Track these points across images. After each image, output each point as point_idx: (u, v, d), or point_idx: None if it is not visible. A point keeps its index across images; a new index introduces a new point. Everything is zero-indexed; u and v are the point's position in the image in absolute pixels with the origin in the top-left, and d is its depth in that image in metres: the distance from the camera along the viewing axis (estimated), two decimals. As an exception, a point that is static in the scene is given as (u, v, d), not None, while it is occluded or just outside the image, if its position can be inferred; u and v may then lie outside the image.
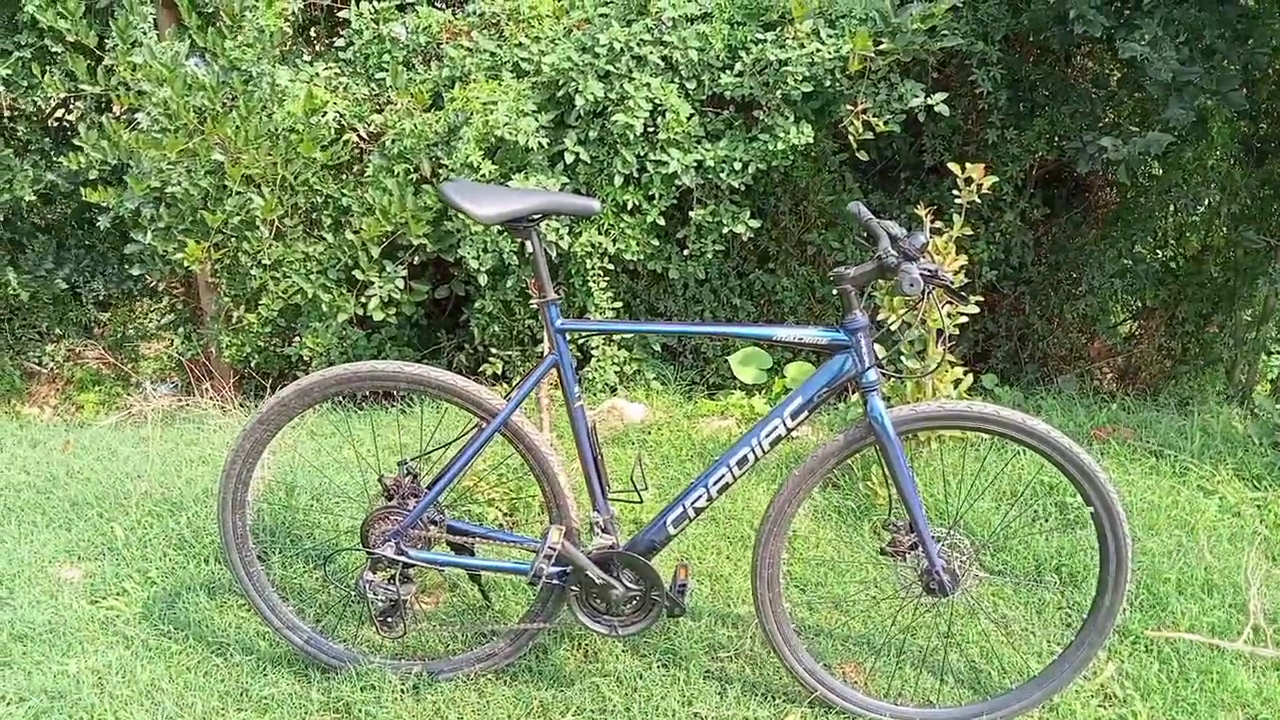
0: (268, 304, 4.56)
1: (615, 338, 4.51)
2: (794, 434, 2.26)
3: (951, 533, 2.31)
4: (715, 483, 2.26)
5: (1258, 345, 5.56)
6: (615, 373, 4.56)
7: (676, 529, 2.31)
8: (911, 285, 1.93)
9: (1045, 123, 5.01)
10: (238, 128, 4.09)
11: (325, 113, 4.38)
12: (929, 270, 1.99)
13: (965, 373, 3.36)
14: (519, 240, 2.14)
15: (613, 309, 4.44)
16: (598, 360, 4.51)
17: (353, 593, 2.30)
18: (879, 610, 2.78)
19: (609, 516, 2.32)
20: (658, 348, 4.87)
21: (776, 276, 5.25)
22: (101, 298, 6.09)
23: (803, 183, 4.98)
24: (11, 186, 5.19)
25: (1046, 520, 3.11)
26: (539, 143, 4.09)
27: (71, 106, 5.53)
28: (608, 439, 3.89)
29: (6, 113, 5.49)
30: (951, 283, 2.01)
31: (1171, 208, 5.42)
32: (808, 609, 2.80)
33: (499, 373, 4.58)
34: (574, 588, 2.31)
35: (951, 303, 2.09)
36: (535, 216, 2.13)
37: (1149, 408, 4.34)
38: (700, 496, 2.28)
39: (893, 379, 3.24)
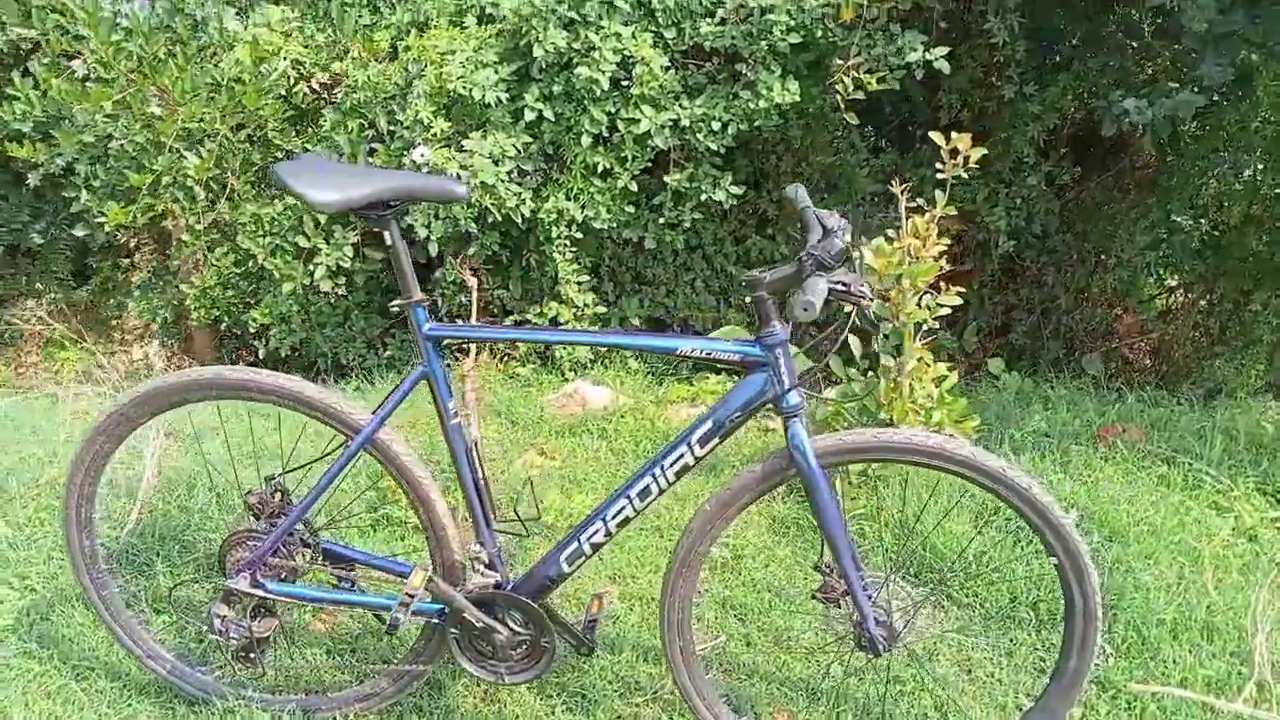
0: (220, 268, 4.29)
1: (587, 313, 4.17)
2: (703, 462, 1.92)
3: (891, 579, 1.97)
4: (614, 517, 1.94)
5: (1302, 327, 5.08)
6: (588, 350, 4.24)
7: (572, 567, 2.00)
8: (804, 309, 1.56)
9: (1071, 78, 4.52)
10: (176, 77, 3.78)
11: (277, 61, 4.04)
12: (842, 285, 1.62)
13: (951, 368, 2.98)
14: (377, 230, 1.78)
15: (579, 281, 4.11)
16: (565, 336, 4.19)
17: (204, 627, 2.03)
18: (824, 651, 2.45)
19: (495, 550, 2.02)
20: (637, 321, 4.53)
21: (775, 243, 4.86)
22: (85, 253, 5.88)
23: (800, 144, 4.56)
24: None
25: (1027, 545, 2.73)
26: (498, 98, 3.72)
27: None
28: (564, 427, 3.58)
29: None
30: (868, 302, 1.64)
31: (1212, 174, 4.90)
32: (745, 644, 2.49)
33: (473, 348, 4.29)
34: (453, 630, 2.01)
35: (867, 327, 1.73)
36: (392, 203, 1.79)
37: (1170, 401, 3.91)
38: (598, 531, 1.96)
39: (857, 387, 2.89)
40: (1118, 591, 2.54)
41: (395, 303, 1.87)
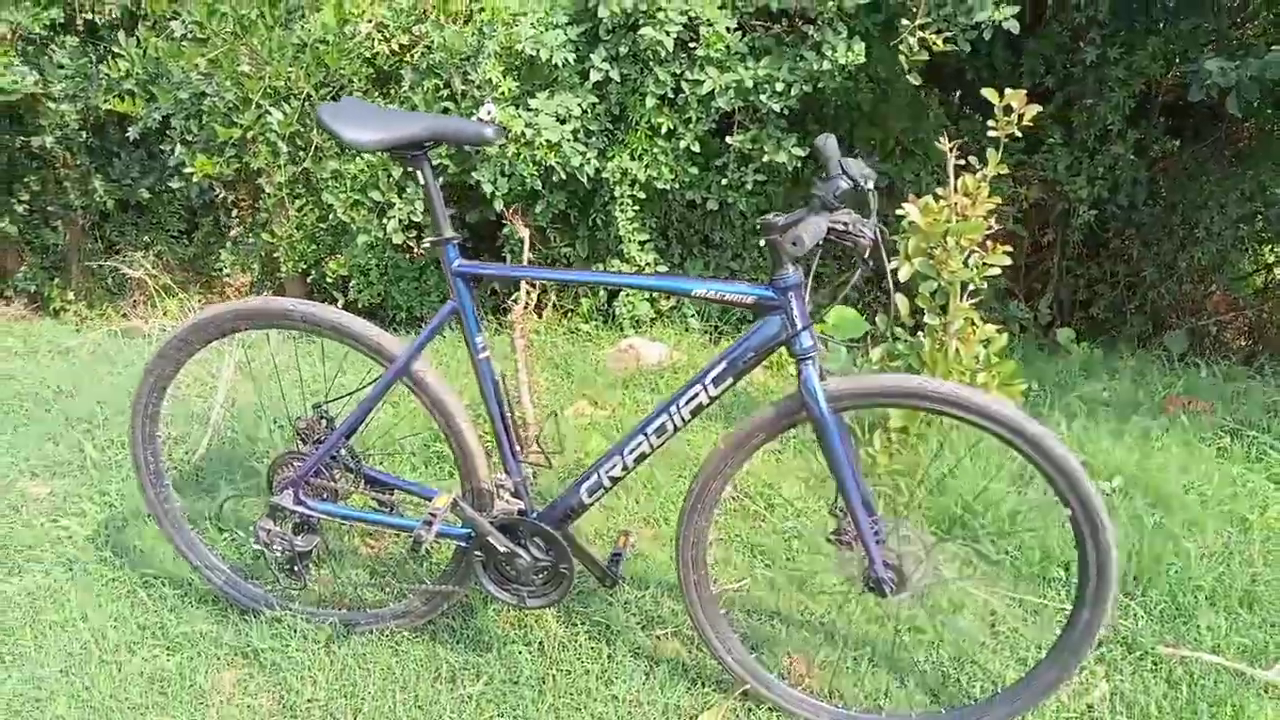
0: (311, 220, 4.50)
1: (646, 270, 4.24)
2: (717, 401, 1.98)
3: (901, 524, 1.99)
4: (631, 451, 2.02)
5: None
6: (649, 308, 4.31)
7: (591, 498, 2.08)
8: (794, 243, 1.59)
9: (1161, 41, 4.35)
10: (265, 38, 3.97)
11: (361, 24, 4.20)
12: (842, 224, 1.64)
13: (999, 330, 2.94)
14: (409, 170, 1.88)
15: (641, 240, 4.17)
16: (627, 294, 4.27)
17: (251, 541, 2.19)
18: (844, 597, 2.48)
19: (520, 480, 2.11)
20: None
21: (845, 208, 4.83)
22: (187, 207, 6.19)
23: (873, 107, 4.51)
24: (86, 94, 5.25)
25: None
26: (565, 59, 3.80)
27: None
28: (617, 381, 3.66)
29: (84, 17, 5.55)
30: (867, 241, 1.66)
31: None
32: (769, 586, 2.54)
33: (533, 302, 4.40)
34: (477, 553, 2.12)
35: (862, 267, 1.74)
36: (425, 144, 1.89)
37: (1247, 376, 3.77)
38: (615, 465, 2.04)
39: (902, 346, 2.88)
40: (1155, 557, 2.50)
41: (427, 240, 1.97)
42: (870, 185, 1.76)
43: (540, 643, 2.32)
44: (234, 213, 6.30)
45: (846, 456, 1.90)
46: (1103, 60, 4.31)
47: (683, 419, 1.97)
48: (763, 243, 1.84)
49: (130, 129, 4.45)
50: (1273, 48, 3.99)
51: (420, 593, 2.29)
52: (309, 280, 5.05)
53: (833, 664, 2.28)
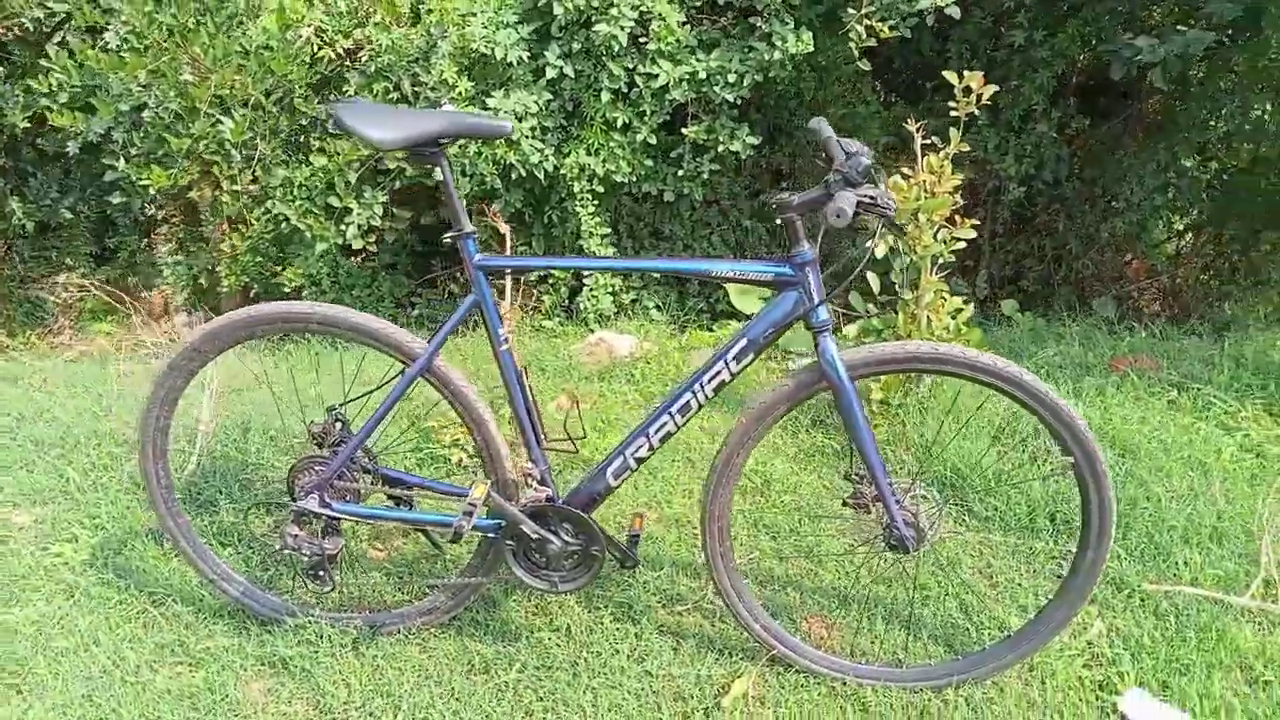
0: (257, 231, 4.42)
1: (609, 264, 4.29)
2: (738, 377, 2.06)
3: (916, 483, 2.10)
4: (657, 431, 2.08)
5: (1310, 264, 5.16)
6: (611, 301, 4.37)
7: (618, 480, 2.14)
8: (836, 216, 1.69)
9: (1080, 23, 4.60)
10: (207, 46, 3.90)
11: (302, 28, 4.15)
12: (868, 198, 1.74)
13: (967, 302, 3.10)
14: (425, 167, 1.91)
15: (602, 235, 4.23)
16: (590, 290, 4.32)
17: (278, 546, 2.18)
18: (853, 560, 2.60)
19: (545, 467, 2.16)
20: (657, 275, 4.65)
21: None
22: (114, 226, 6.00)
23: (812, 96, 4.66)
24: (2, 113, 5.05)
25: (1045, 463, 2.87)
26: (519, 57, 3.84)
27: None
28: (593, 374, 3.72)
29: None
30: (893, 211, 1.76)
31: (1220, 115, 4.97)
32: (778, 559, 2.64)
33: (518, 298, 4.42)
34: (509, 542, 2.16)
35: (893, 233, 1.84)
36: (442, 140, 1.92)
37: (1181, 335, 4.03)
38: (641, 446, 2.10)
39: (877, 321, 3.01)
40: (1130, 501, 2.68)
41: (448, 235, 2.00)
42: (870, 159, 1.86)
43: (567, 628, 2.37)
44: (164, 230, 6.15)
45: (865, 422, 2.00)
46: (1029, 43, 4.53)
47: (706, 396, 2.04)
48: (778, 221, 1.91)
49: (69, 144, 4.31)
50: (1178, 27, 4.27)
51: (447, 588, 2.32)
52: (252, 295, 4.96)
53: (850, 625, 2.38)
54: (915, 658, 2.30)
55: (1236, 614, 2.37)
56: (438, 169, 1.94)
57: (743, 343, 2.00)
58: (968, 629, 2.38)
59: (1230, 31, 4.26)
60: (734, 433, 2.08)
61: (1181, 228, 5.88)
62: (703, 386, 2.03)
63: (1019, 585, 2.51)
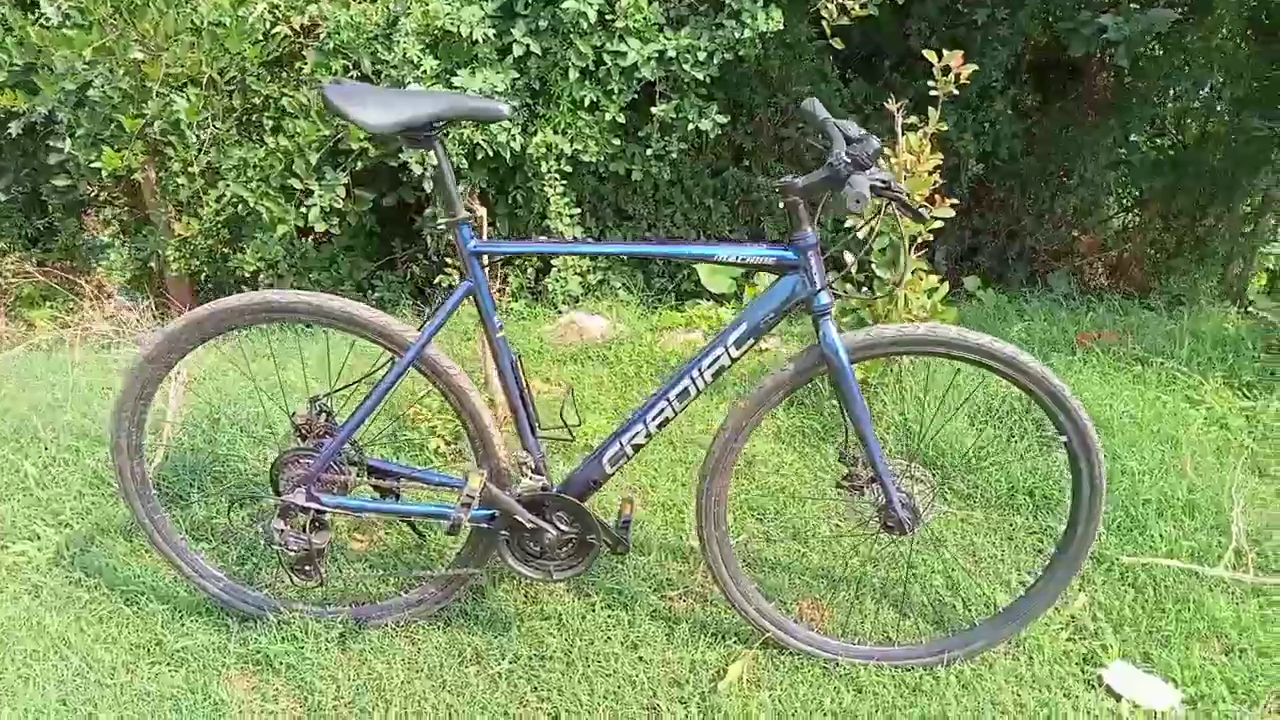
0: (209, 214, 4.28)
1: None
2: (739, 361, 2.04)
3: (912, 465, 2.12)
4: (654, 418, 2.06)
5: (1255, 239, 5.31)
6: (579, 283, 4.33)
7: (614, 468, 2.12)
8: (857, 202, 1.67)
9: (1038, 1, 4.64)
10: (157, 22, 3.75)
11: (254, 4, 4.01)
12: (881, 181, 1.73)
13: (941, 280, 3.12)
14: (420, 151, 1.85)
15: (571, 215, 4.18)
16: (559, 271, 4.27)
17: (264, 541, 2.12)
18: (840, 542, 2.61)
19: (540, 456, 2.12)
20: (623, 255, 4.61)
21: (752, 174, 4.97)
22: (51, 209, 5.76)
23: (777, 74, 4.65)
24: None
25: (1021, 440, 2.92)
26: (485, 34, 3.76)
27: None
28: (565, 356, 3.68)
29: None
30: (907, 196, 1.76)
31: (1172, 93, 5.07)
32: (765, 540, 2.64)
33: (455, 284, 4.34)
34: (503, 532, 2.13)
35: (910, 218, 1.84)
36: (437, 123, 1.86)
37: (1139, 309, 4.12)
38: (639, 433, 2.08)
39: (855, 301, 3.02)
40: (1105, 476, 2.72)
41: (440, 220, 1.95)
42: (876, 141, 1.84)
43: (559, 616, 2.34)
44: (106, 213, 5.92)
45: (865, 405, 2.00)
46: (991, 20, 4.57)
47: (705, 381, 2.02)
48: (781, 205, 1.89)
49: (11, 124, 4.12)
50: (1133, 4, 4.34)
51: (435, 580, 2.28)
52: (203, 279, 4.80)
53: (842, 604, 2.40)
54: (905, 636, 2.32)
55: (1210, 585, 2.44)
56: (431, 153, 1.88)
57: (743, 327, 1.98)
58: (954, 605, 2.41)
59: (1185, 9, 4.34)
60: (731, 418, 2.07)
61: (1130, 203, 6.01)
62: (702, 372, 2.01)
63: (1002, 561, 2.55)
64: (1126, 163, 5.35)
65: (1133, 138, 5.32)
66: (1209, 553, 2.54)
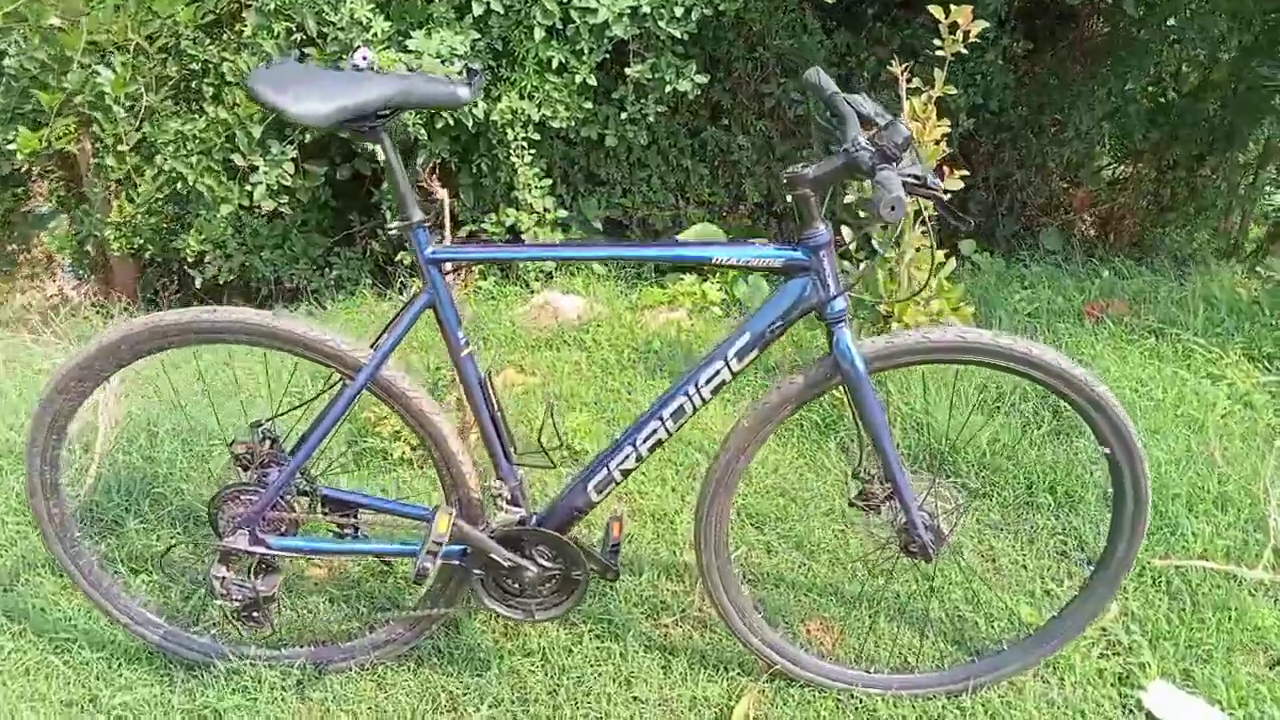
0: (147, 192, 3.95)
1: (548, 218, 3.96)
2: (740, 376, 1.79)
3: (937, 482, 1.89)
4: (645, 440, 1.81)
5: (1254, 191, 5.10)
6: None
7: (600, 495, 1.87)
8: (893, 209, 1.41)
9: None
10: (75, -16, 3.38)
11: (187, -40, 3.64)
12: (914, 178, 1.47)
13: (947, 255, 2.88)
14: (367, 144, 1.57)
15: (541, 185, 3.88)
16: (529, 245, 3.98)
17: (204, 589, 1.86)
18: (848, 552, 2.39)
19: (516, 484, 1.87)
20: (598, 225, 4.34)
21: (731, 134, 4.68)
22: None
23: (757, 26, 4.34)
24: None
25: (1038, 428, 2.70)
26: (440, -10, 3.42)
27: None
28: (540, 341, 3.41)
29: None
30: (944, 193, 1.50)
31: (1172, 39, 4.81)
32: (766, 551, 2.42)
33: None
34: (477, 571, 1.88)
35: (950, 219, 1.59)
36: (384, 113, 1.57)
37: (1143, 271, 3.91)
38: (628, 456, 1.83)
39: (853, 276, 2.77)
40: (1150, 489, 2.52)
41: (392, 225, 1.67)
42: (901, 126, 1.57)
43: (543, 650, 2.11)
44: (41, 187, 5.52)
45: (884, 419, 1.76)
46: (983, -36, 4.28)
47: (703, 399, 1.78)
48: (789, 198, 1.63)
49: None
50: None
51: (404, 619, 2.03)
52: (148, 257, 4.47)
53: (853, 625, 2.18)
54: (926, 661, 2.12)
55: (1251, 589, 2.25)
56: (378, 147, 1.59)
57: (745, 338, 1.73)
58: (975, 621, 2.20)
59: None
60: (734, 436, 1.82)
61: (1123, 155, 5.78)
62: (699, 389, 1.76)
63: (1024, 568, 2.35)
64: (1121, 112, 5.10)
65: (1128, 86, 5.06)
66: (1246, 551, 2.35)
